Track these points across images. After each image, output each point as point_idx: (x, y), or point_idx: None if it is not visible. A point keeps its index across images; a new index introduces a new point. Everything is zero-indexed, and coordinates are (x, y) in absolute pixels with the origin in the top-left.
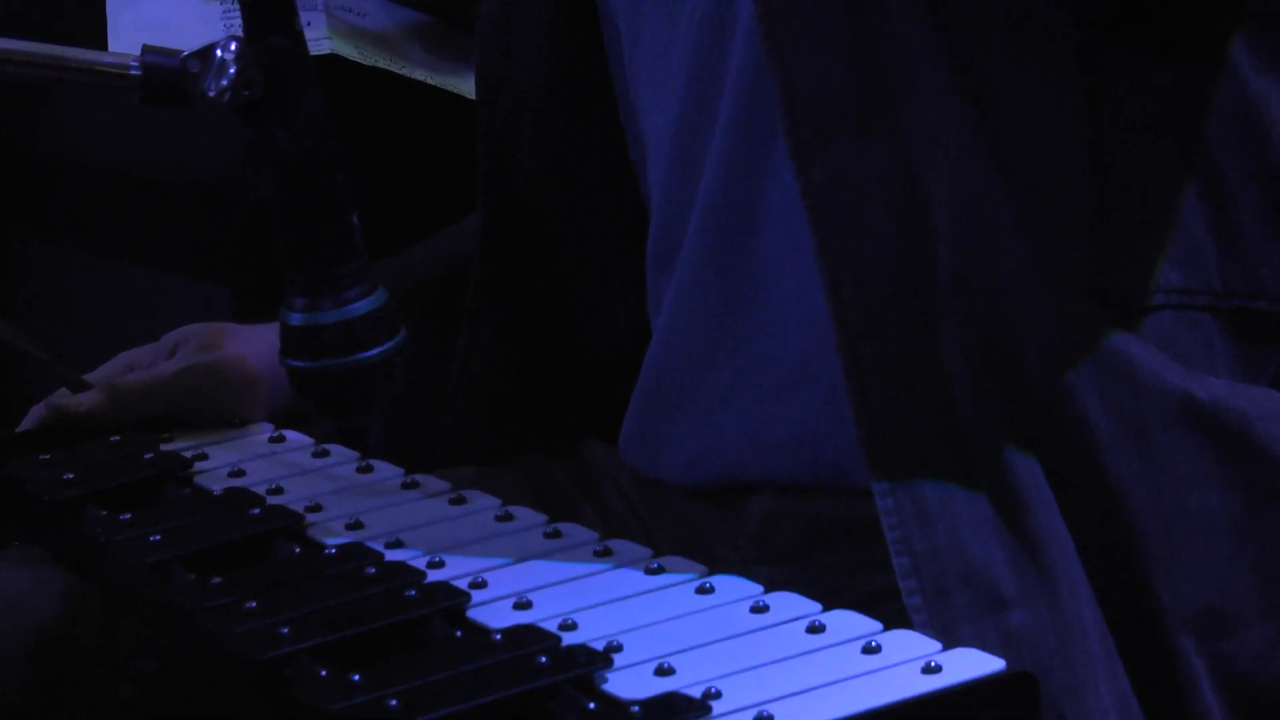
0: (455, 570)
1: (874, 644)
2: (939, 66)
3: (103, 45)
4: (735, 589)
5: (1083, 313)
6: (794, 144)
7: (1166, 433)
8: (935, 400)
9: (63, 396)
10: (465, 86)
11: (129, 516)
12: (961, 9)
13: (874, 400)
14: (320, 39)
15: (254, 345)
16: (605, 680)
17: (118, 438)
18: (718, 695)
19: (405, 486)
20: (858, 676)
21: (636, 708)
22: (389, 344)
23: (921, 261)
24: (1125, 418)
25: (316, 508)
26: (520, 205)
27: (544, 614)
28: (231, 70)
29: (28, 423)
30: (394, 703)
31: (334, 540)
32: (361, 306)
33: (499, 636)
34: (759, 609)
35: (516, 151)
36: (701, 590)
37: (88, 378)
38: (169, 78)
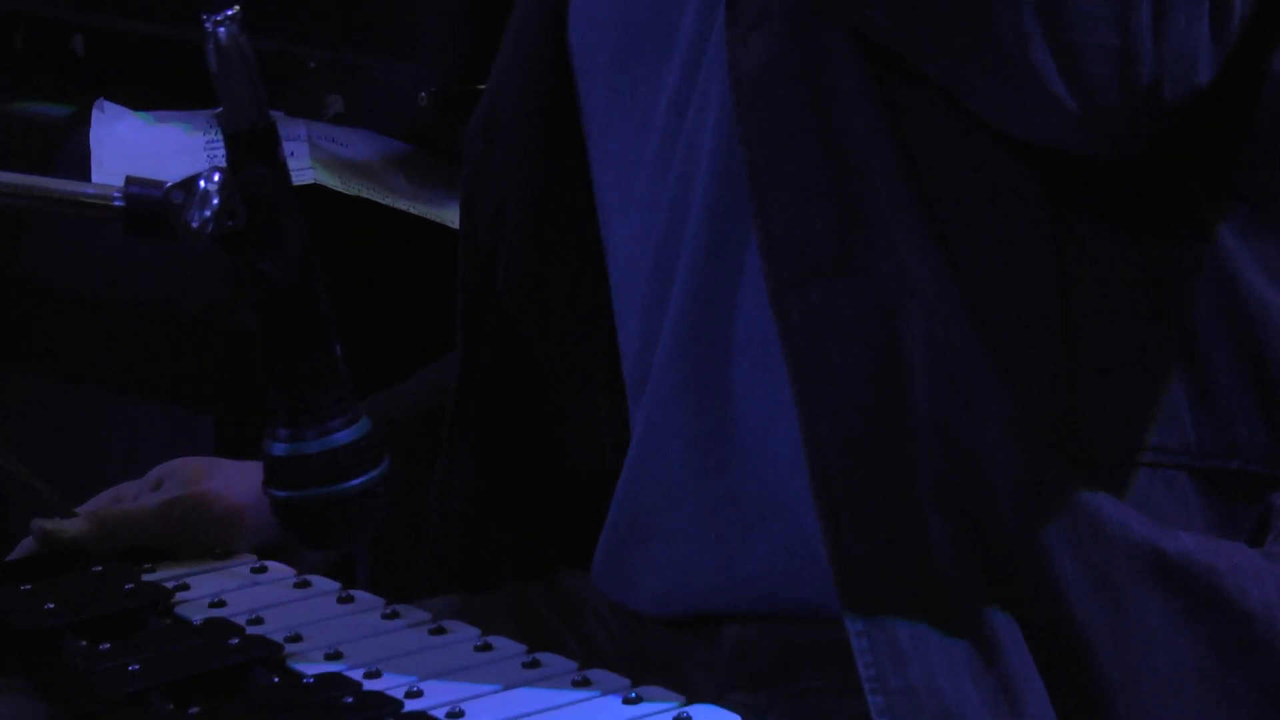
0: (434, 699)
1: None
2: (912, 218)
3: (86, 176)
4: (713, 719)
5: (1053, 466)
6: (772, 285)
7: (1134, 586)
8: (910, 543)
9: (49, 521)
10: (448, 215)
11: (109, 646)
12: (934, 167)
13: (848, 540)
14: (303, 169)
15: (239, 479)
16: None
17: (99, 568)
18: None
19: (385, 617)
20: None
21: None
22: (373, 473)
23: (897, 404)
24: (1093, 569)
25: (296, 638)
26: (498, 327)
27: None
28: (215, 201)
29: (17, 554)
30: None
31: (313, 669)
32: (345, 436)
33: None
34: None
35: (494, 272)
36: None
37: (76, 511)
38: (152, 209)
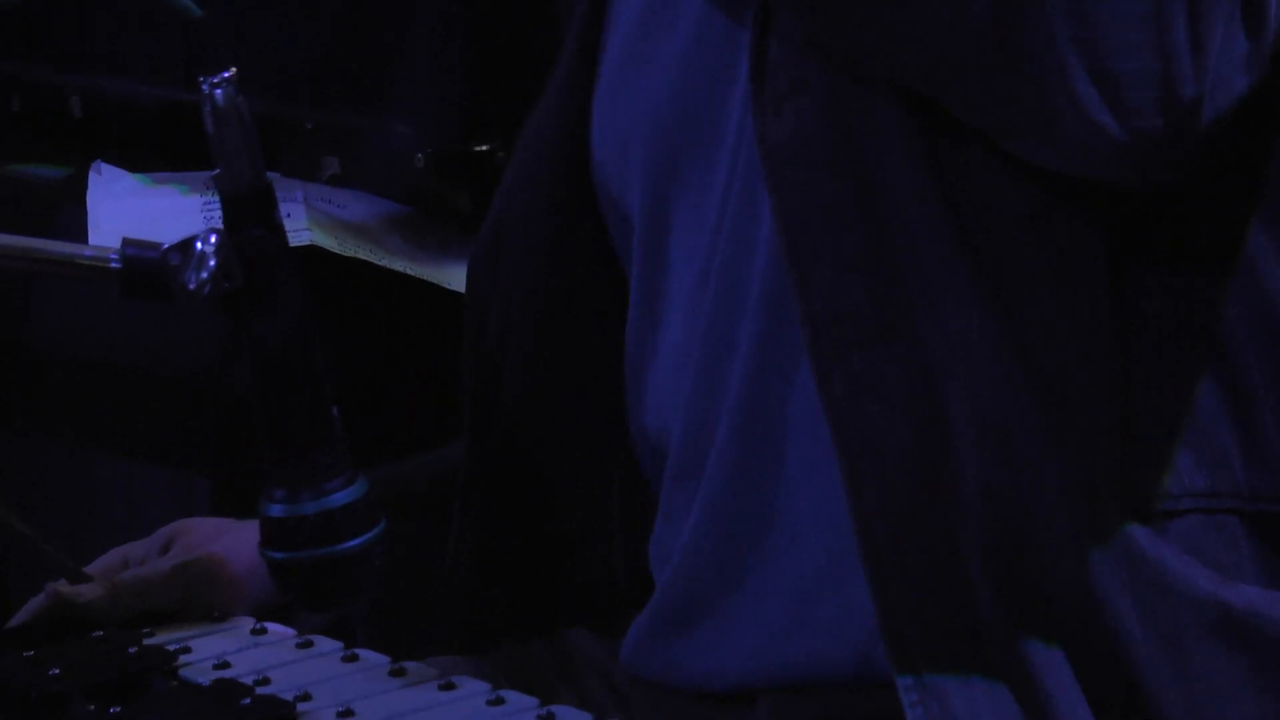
0: None
1: None
2: (961, 279)
3: (83, 238)
4: None
5: (1110, 518)
6: (814, 356)
7: (1200, 641)
8: (960, 608)
9: (64, 586)
10: (445, 277)
11: (118, 710)
12: (985, 224)
13: (898, 608)
14: (300, 230)
15: (248, 540)
16: None
17: (100, 633)
18: None
19: (393, 674)
20: None
21: None
22: (369, 534)
23: (942, 472)
24: (1158, 625)
25: (306, 697)
26: (505, 424)
27: None
28: (211, 263)
29: (23, 616)
30: None
31: None
32: (342, 497)
33: None
34: None
35: (501, 374)
36: None
37: (86, 573)
38: (149, 270)
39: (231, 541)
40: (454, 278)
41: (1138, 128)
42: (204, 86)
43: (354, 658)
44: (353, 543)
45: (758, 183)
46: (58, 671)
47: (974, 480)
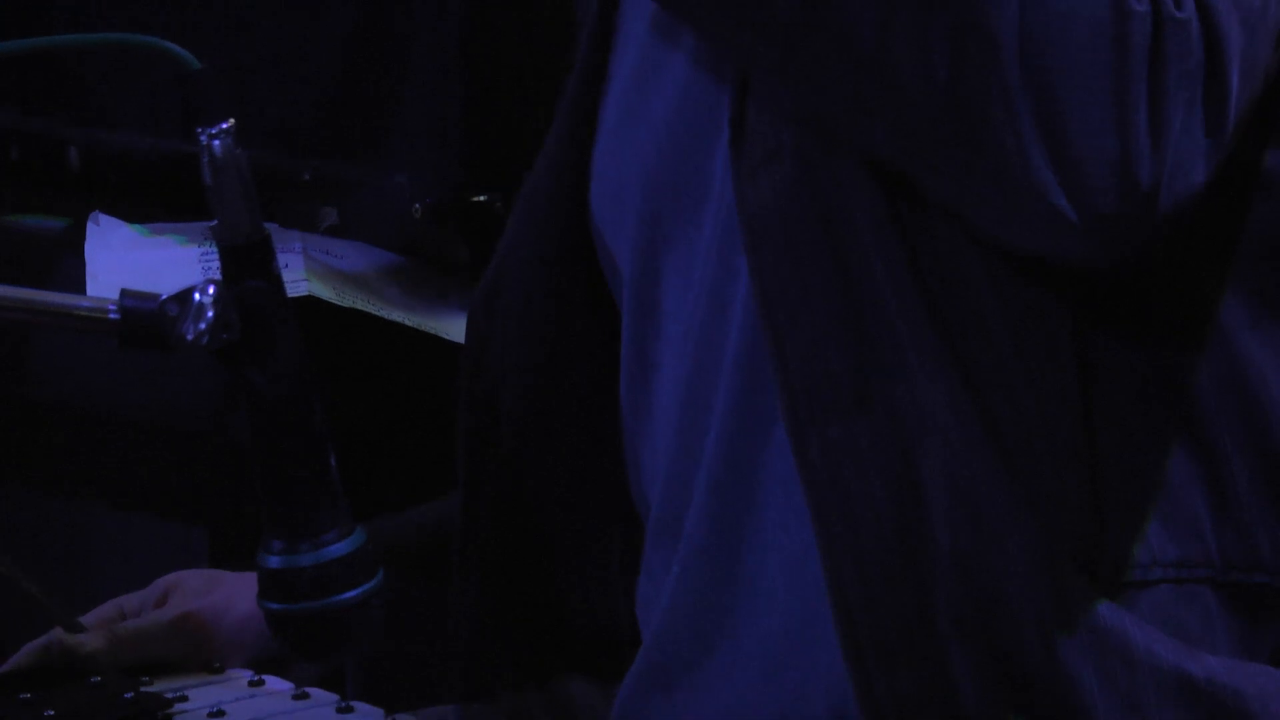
0: None
1: None
2: (929, 347)
3: (81, 289)
4: None
5: (1077, 588)
6: (791, 422)
7: (1161, 711)
8: (934, 676)
9: (63, 636)
10: (443, 327)
11: None
12: (953, 295)
13: (873, 675)
14: (298, 281)
15: (244, 592)
16: None
17: (97, 679)
18: None
19: None
20: None
21: None
22: (366, 586)
23: (918, 539)
24: (1121, 696)
25: None
26: (502, 473)
27: None
28: (209, 314)
29: (19, 659)
30: None
31: None
32: (339, 549)
33: None
34: None
35: (499, 421)
36: None
37: (83, 624)
38: (147, 322)
39: (228, 593)
40: (452, 328)
41: (1093, 211)
42: (202, 138)
43: (349, 709)
44: (350, 594)
45: (735, 245)
46: (53, 714)
47: (946, 547)
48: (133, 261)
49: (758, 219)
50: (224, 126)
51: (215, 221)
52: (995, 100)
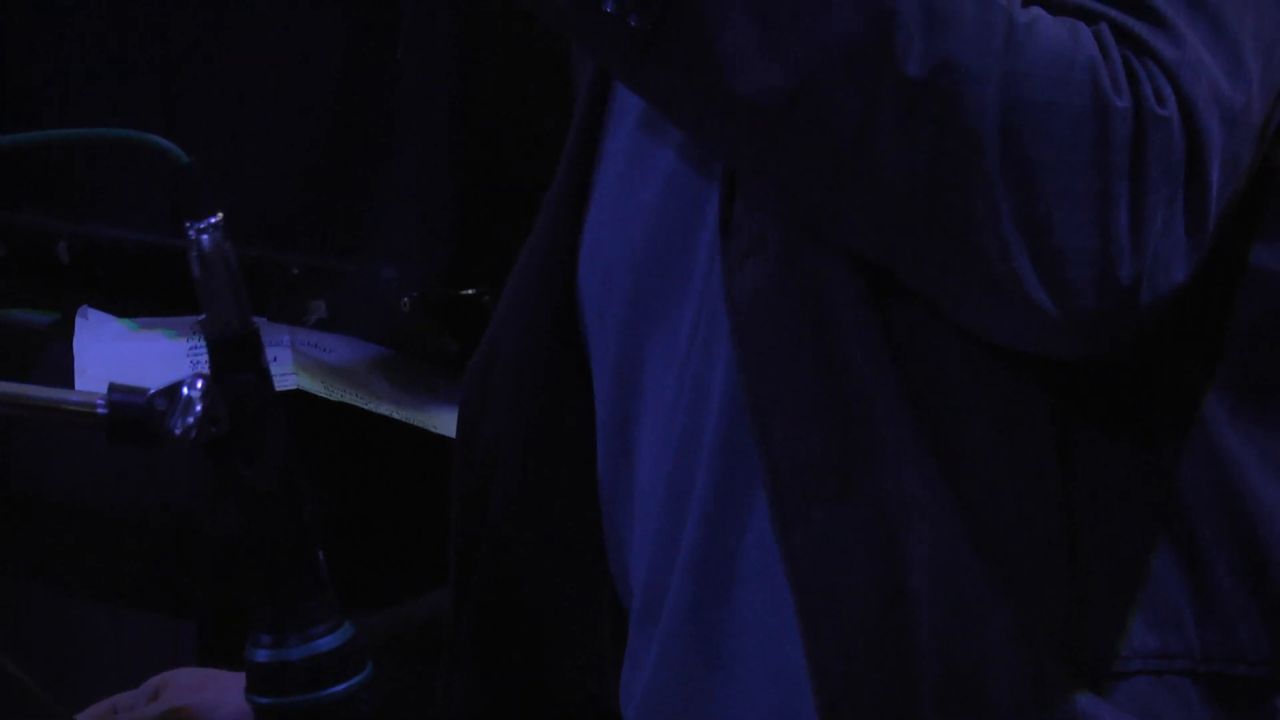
0: None
1: None
2: (911, 436)
3: (70, 384)
4: None
5: (1057, 677)
6: (775, 508)
7: None
8: None
9: None
10: (431, 421)
11: None
12: (935, 386)
13: None
14: (286, 374)
15: (234, 690)
16: None
17: None
18: None
19: None
20: None
21: None
22: (355, 680)
23: (900, 625)
24: None
25: None
26: (491, 557)
27: None
28: (198, 408)
29: None
30: None
31: None
32: (328, 642)
33: None
34: None
35: (488, 502)
36: None
37: None
38: (135, 416)
39: (220, 690)
40: (440, 422)
41: (1073, 306)
42: (191, 232)
43: None
44: (339, 688)
45: (716, 330)
46: None
47: (928, 633)
48: (121, 355)
49: (744, 307)
50: (212, 221)
51: (204, 315)
52: (976, 196)
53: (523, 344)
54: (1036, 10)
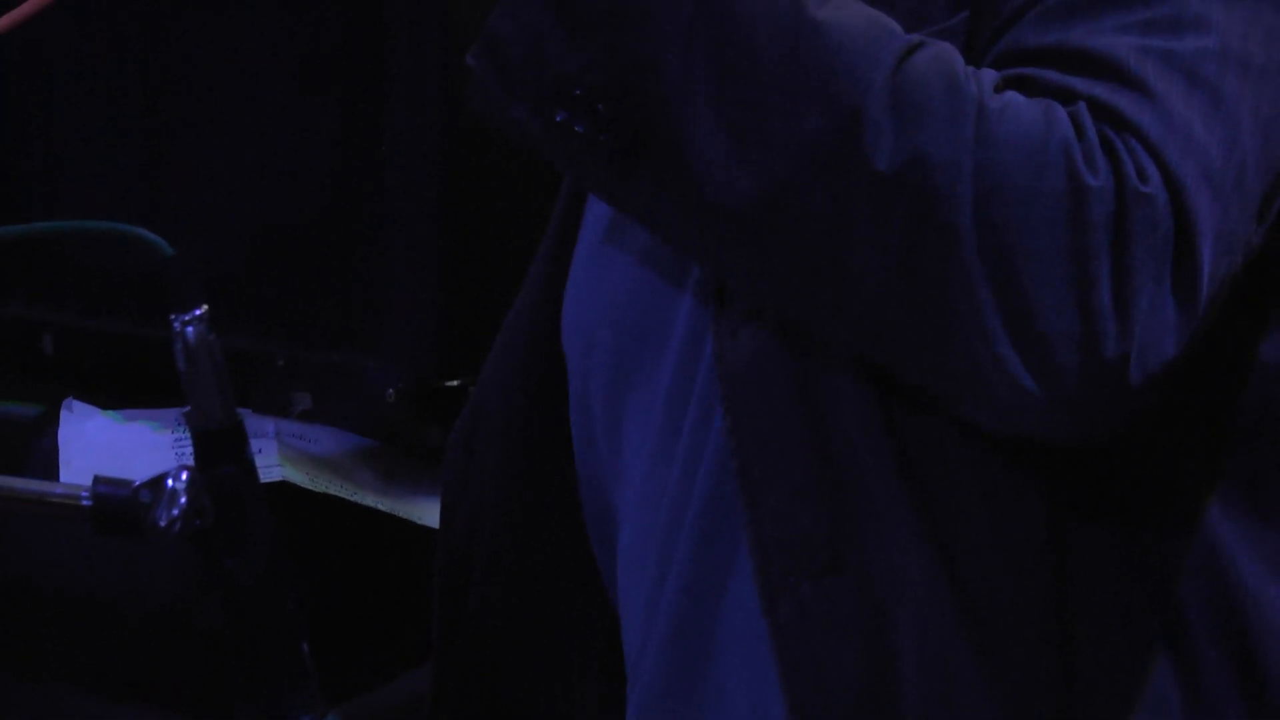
0: None
1: None
2: (909, 518)
3: (54, 476)
4: None
5: None
6: (762, 582)
7: None
8: None
9: None
10: (417, 512)
11: None
12: (930, 467)
13: None
14: (271, 466)
15: None
16: None
17: None
18: None
19: None
20: None
21: None
22: None
23: (886, 705)
24: None
25: None
26: (474, 626)
27: None
28: (183, 500)
29: None
30: None
31: None
32: None
33: None
34: None
35: (470, 577)
36: None
37: None
38: (120, 508)
39: None
40: (425, 513)
41: (1059, 390)
42: (175, 323)
43: None
44: None
45: (694, 397)
46: None
47: (916, 716)
48: (106, 447)
49: (736, 376)
50: (197, 313)
51: (188, 407)
52: (956, 289)
53: (507, 404)
54: (1010, 95)
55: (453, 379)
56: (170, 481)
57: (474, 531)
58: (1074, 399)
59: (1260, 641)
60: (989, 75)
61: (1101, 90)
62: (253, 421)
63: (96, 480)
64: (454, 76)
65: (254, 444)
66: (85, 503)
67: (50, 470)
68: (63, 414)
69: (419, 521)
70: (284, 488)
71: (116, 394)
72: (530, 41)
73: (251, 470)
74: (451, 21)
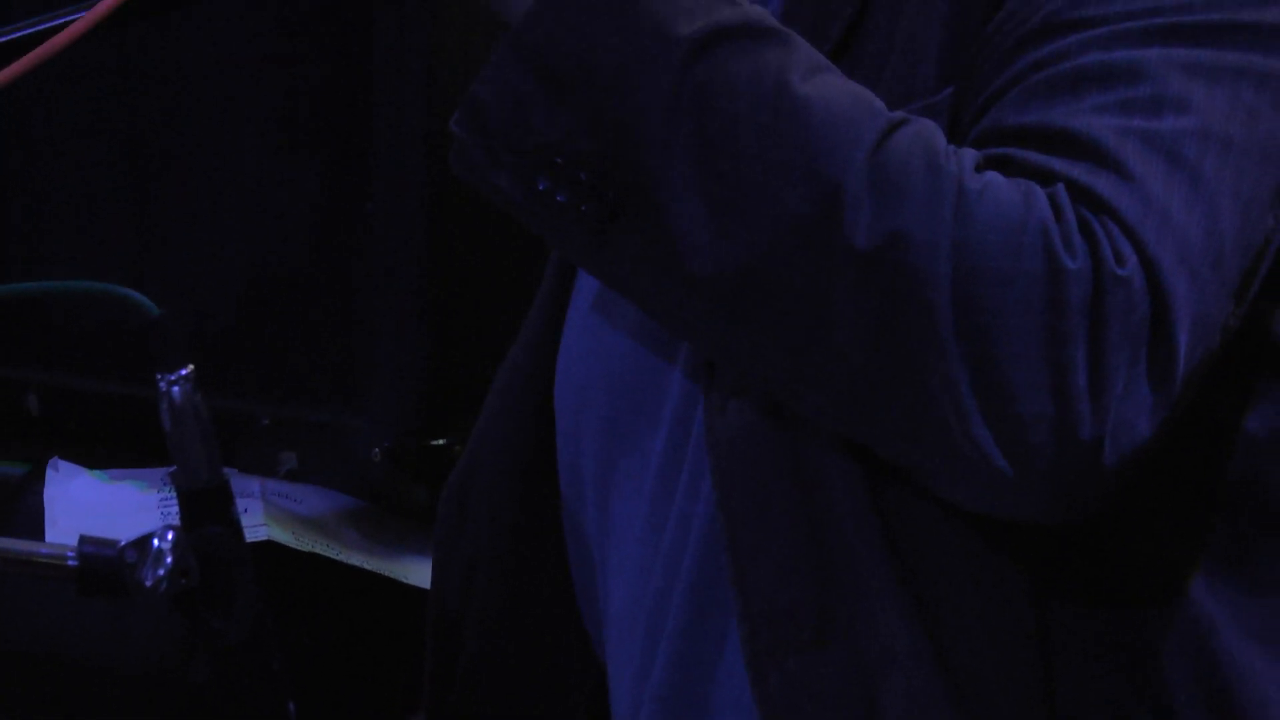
0: None
1: None
2: (895, 592)
3: (40, 535)
4: None
5: None
6: (750, 654)
7: None
8: None
9: None
10: (402, 571)
11: None
12: (915, 542)
13: None
14: (257, 526)
15: None
16: None
17: None
18: None
19: None
20: None
21: None
22: None
23: None
24: None
25: None
26: (465, 682)
27: None
28: (168, 560)
29: None
30: None
31: None
32: None
33: None
34: None
35: (461, 632)
36: None
37: None
38: (106, 568)
39: None
40: (411, 572)
41: (1033, 471)
42: (161, 383)
43: None
44: None
45: (686, 467)
46: None
47: None
48: (92, 507)
49: (725, 449)
50: (183, 373)
51: (174, 467)
52: (932, 367)
53: (499, 460)
54: (990, 176)
55: (438, 438)
56: (156, 541)
57: (466, 588)
58: (1048, 479)
59: (1245, 710)
60: (970, 155)
61: (1080, 171)
62: (238, 481)
63: (82, 540)
64: (439, 133)
65: (240, 504)
66: (71, 563)
67: (36, 530)
68: (48, 473)
69: (405, 581)
70: (270, 547)
71: (102, 453)
72: (513, 108)
73: (237, 530)
74: (437, 79)
